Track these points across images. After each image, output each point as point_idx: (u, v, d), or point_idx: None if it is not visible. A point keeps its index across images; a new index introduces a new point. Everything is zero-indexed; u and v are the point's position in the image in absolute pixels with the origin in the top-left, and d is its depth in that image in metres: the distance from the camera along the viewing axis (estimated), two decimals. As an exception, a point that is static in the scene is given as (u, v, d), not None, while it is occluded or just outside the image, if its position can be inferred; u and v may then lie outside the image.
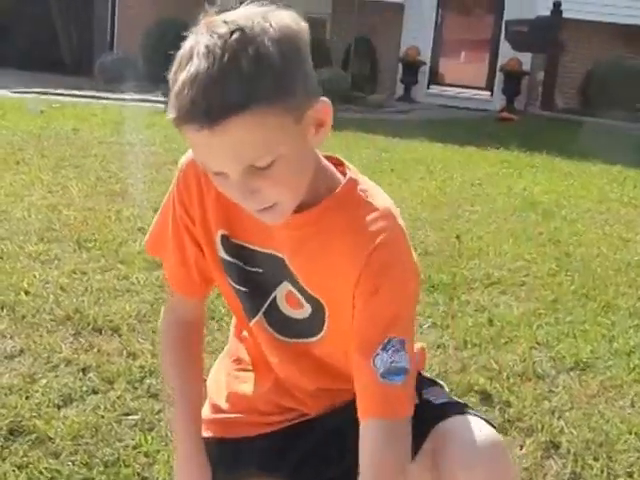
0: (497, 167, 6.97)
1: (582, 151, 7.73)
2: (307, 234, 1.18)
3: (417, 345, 1.27)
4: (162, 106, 9.35)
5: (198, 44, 1.00)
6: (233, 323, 1.43)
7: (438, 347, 2.69)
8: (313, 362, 1.28)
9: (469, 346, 2.73)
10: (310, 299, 1.23)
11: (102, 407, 2.12)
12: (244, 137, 1.01)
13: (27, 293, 2.88)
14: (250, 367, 1.37)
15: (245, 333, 1.37)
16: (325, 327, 1.24)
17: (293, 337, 1.28)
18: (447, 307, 3.10)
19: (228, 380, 1.39)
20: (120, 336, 2.59)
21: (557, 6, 12.00)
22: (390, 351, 1.14)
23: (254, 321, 1.29)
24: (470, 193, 5.66)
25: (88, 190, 4.69)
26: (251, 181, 1.06)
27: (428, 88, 13.85)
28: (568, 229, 4.70)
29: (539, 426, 2.21)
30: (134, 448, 1.95)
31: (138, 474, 1.86)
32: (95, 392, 2.21)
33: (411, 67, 13.50)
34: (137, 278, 3.12)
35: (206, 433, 1.34)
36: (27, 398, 2.14)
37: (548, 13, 12.09)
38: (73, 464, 1.87)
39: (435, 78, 14.09)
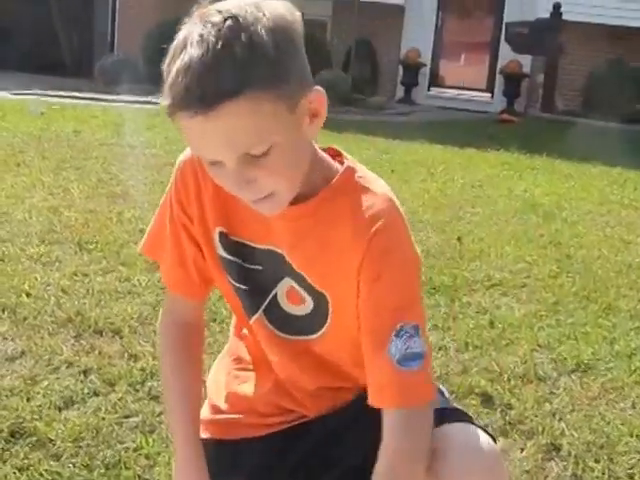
0: (498, 169, 6.97)
1: (582, 153, 7.73)
2: (306, 225, 1.18)
3: None
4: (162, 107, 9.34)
5: (192, 33, 1.01)
6: (233, 322, 1.42)
7: (439, 349, 2.69)
8: (313, 360, 1.28)
9: (470, 348, 2.73)
10: (313, 292, 1.22)
11: (103, 409, 2.13)
12: (238, 123, 1.01)
13: (28, 295, 2.88)
14: (250, 366, 1.36)
15: (245, 331, 1.36)
16: (327, 322, 1.23)
17: (294, 334, 1.27)
18: (448, 309, 3.10)
19: (228, 380, 1.38)
20: (121, 338, 2.59)
21: (557, 8, 12.00)
22: (404, 337, 1.13)
23: (254, 319, 1.28)
24: (471, 195, 5.66)
25: (89, 192, 4.70)
26: (247, 170, 1.06)
27: (428, 90, 13.86)
28: (569, 231, 4.70)
29: (540, 428, 2.21)
30: (135, 450, 1.95)
31: (139, 476, 1.86)
32: (96, 394, 2.21)
33: (411, 69, 13.50)
34: (138, 280, 3.12)
35: (205, 434, 1.33)
36: (28, 400, 2.14)
37: (548, 15, 12.09)
38: (74, 466, 1.88)
39: (435, 80, 14.10)
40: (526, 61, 12.89)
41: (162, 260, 1.33)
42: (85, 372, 2.33)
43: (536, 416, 2.28)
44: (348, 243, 1.16)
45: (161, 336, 1.39)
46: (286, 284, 1.24)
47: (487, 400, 2.36)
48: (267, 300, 1.26)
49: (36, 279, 3.05)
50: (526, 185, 6.24)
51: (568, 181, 6.63)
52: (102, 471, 1.87)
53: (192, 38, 1.00)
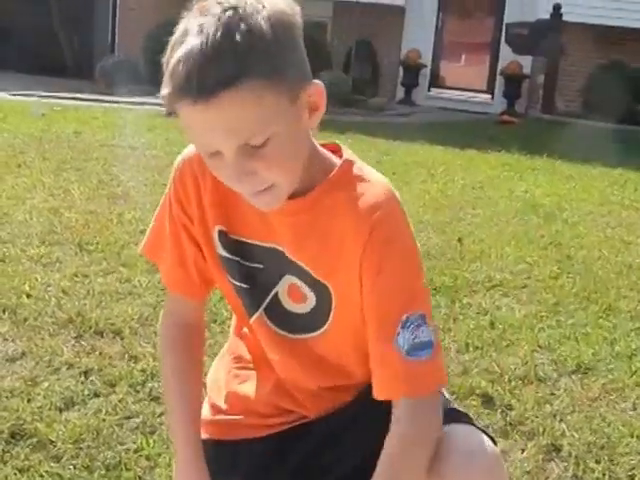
0: (498, 170, 6.97)
1: (583, 154, 7.72)
2: (305, 219, 1.18)
3: None
4: (163, 109, 9.35)
5: (191, 24, 1.02)
6: (233, 321, 1.41)
7: (440, 350, 2.69)
8: (314, 359, 1.27)
9: (471, 349, 2.73)
10: (316, 286, 1.21)
11: (104, 410, 2.13)
12: (238, 112, 1.01)
13: (29, 296, 2.88)
14: (250, 365, 1.36)
15: (245, 330, 1.36)
16: (329, 320, 1.23)
17: (295, 332, 1.27)
18: (449, 310, 3.10)
19: (227, 379, 1.38)
20: (122, 339, 2.59)
21: (557, 9, 12.00)
22: (411, 328, 1.13)
23: (254, 317, 1.28)
24: (471, 196, 5.66)
25: (90, 193, 4.70)
26: (246, 161, 1.06)
27: (429, 91, 13.85)
28: (569, 232, 4.70)
29: (541, 429, 2.21)
30: (135, 451, 1.95)
31: (140, 477, 1.86)
32: (97, 395, 2.22)
33: (412, 70, 13.50)
34: (139, 281, 3.12)
35: (204, 434, 1.33)
36: (29, 401, 2.14)
37: (548, 16, 12.09)
38: (74, 467, 1.88)
39: (436, 81, 14.09)
40: (526, 62, 12.88)
41: (162, 261, 1.32)
42: (86, 373, 2.33)
43: (537, 417, 2.28)
44: (349, 234, 1.16)
45: (162, 337, 1.39)
46: (288, 281, 1.23)
47: (488, 401, 2.36)
48: (268, 298, 1.26)
49: (37, 280, 3.05)
50: (527, 186, 6.24)
51: (569, 182, 6.63)
52: (103, 472, 1.87)
53: (192, 29, 1.01)
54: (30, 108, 8.35)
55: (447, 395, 1.37)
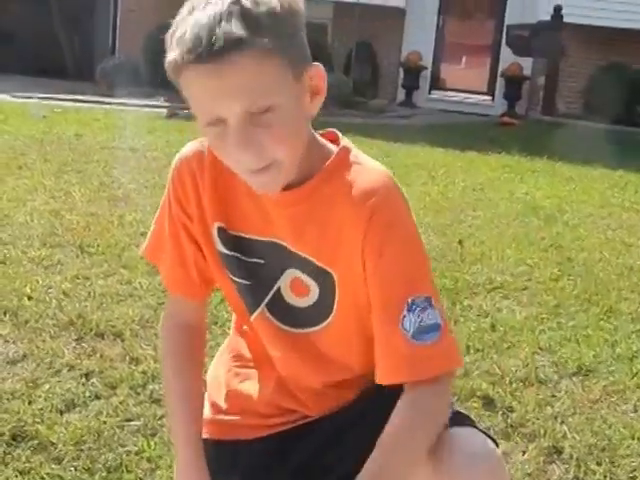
0: (499, 172, 6.97)
1: (583, 156, 7.73)
2: (304, 209, 1.18)
3: None
4: (164, 111, 9.37)
5: (198, 1, 1.04)
6: (234, 318, 1.41)
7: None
8: (316, 354, 1.27)
9: (472, 351, 2.73)
10: (319, 275, 1.21)
11: (104, 412, 2.13)
12: (246, 74, 1.03)
13: (30, 298, 2.88)
14: (251, 364, 1.36)
15: (245, 328, 1.35)
16: (333, 310, 1.22)
17: (298, 327, 1.26)
18: (450, 312, 3.10)
19: (228, 377, 1.37)
20: (123, 341, 2.59)
21: (558, 11, 12.00)
22: (417, 311, 1.13)
23: (256, 314, 1.27)
24: (472, 198, 5.66)
25: (91, 195, 4.70)
26: (249, 129, 1.06)
27: (429, 93, 13.86)
28: (570, 234, 4.70)
29: (542, 431, 2.21)
30: (136, 454, 1.95)
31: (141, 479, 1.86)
32: (98, 397, 2.22)
33: (412, 72, 13.50)
34: (140, 283, 3.12)
35: (204, 434, 1.32)
36: (30, 403, 2.14)
37: (549, 18, 12.09)
38: (75, 470, 1.88)
39: (436, 83, 14.10)
40: (527, 64, 12.89)
41: (162, 262, 1.32)
42: (86, 375, 2.33)
43: (538, 419, 2.28)
44: (347, 221, 1.16)
45: (163, 339, 1.39)
46: (290, 275, 1.23)
47: (488, 403, 2.36)
48: (270, 294, 1.25)
49: (37, 282, 3.05)
50: (527, 188, 6.25)
51: (569, 184, 6.64)
52: (104, 475, 1.87)
53: (199, 4, 1.04)
54: (31, 110, 8.36)
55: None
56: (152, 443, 1.99)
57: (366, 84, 12.78)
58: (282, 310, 1.26)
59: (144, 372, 2.36)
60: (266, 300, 1.26)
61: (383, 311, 1.15)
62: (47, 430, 2.00)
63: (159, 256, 1.32)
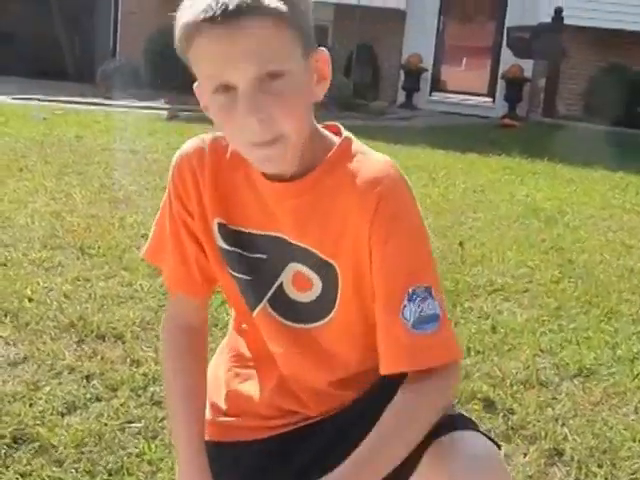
0: (499, 174, 6.97)
1: (584, 157, 7.73)
2: (307, 201, 1.18)
3: None
4: (164, 113, 9.38)
5: None
6: (233, 316, 1.40)
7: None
8: (318, 349, 1.26)
9: (472, 353, 2.73)
10: (322, 268, 1.20)
11: (105, 415, 2.13)
12: (258, 38, 1.04)
13: (30, 300, 2.88)
14: (251, 364, 1.35)
15: (245, 326, 1.35)
16: (336, 305, 1.22)
17: (300, 322, 1.25)
18: (450, 314, 3.09)
19: (227, 377, 1.37)
20: (124, 343, 2.59)
21: (559, 13, 12.01)
22: (417, 300, 1.13)
23: (258, 310, 1.26)
24: (473, 200, 5.66)
25: (91, 197, 4.71)
26: (259, 97, 1.06)
27: (430, 95, 13.86)
28: (571, 236, 4.70)
29: (543, 433, 2.21)
30: (138, 456, 1.95)
31: (142, 482, 1.86)
32: (98, 400, 2.22)
33: (413, 74, 13.51)
34: (141, 285, 3.12)
35: (205, 436, 1.32)
36: (30, 405, 2.14)
37: (550, 20, 12.10)
38: (76, 472, 1.88)
39: (437, 85, 14.11)
40: (528, 66, 12.89)
41: (164, 262, 1.32)
42: (87, 377, 2.33)
43: (538, 421, 2.28)
44: (353, 211, 1.16)
45: (164, 341, 1.38)
46: (292, 270, 1.23)
47: (489, 405, 2.36)
48: (272, 289, 1.24)
49: (38, 284, 3.05)
50: (528, 190, 6.25)
51: (570, 186, 6.64)
52: (105, 477, 1.87)
53: None
54: (32, 112, 8.37)
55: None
56: (153, 445, 1.99)
57: (367, 86, 12.79)
58: (284, 305, 1.25)
59: (145, 374, 2.36)
60: (268, 295, 1.25)
61: (385, 300, 1.15)
62: (48, 432, 2.00)
63: (160, 257, 1.32)
